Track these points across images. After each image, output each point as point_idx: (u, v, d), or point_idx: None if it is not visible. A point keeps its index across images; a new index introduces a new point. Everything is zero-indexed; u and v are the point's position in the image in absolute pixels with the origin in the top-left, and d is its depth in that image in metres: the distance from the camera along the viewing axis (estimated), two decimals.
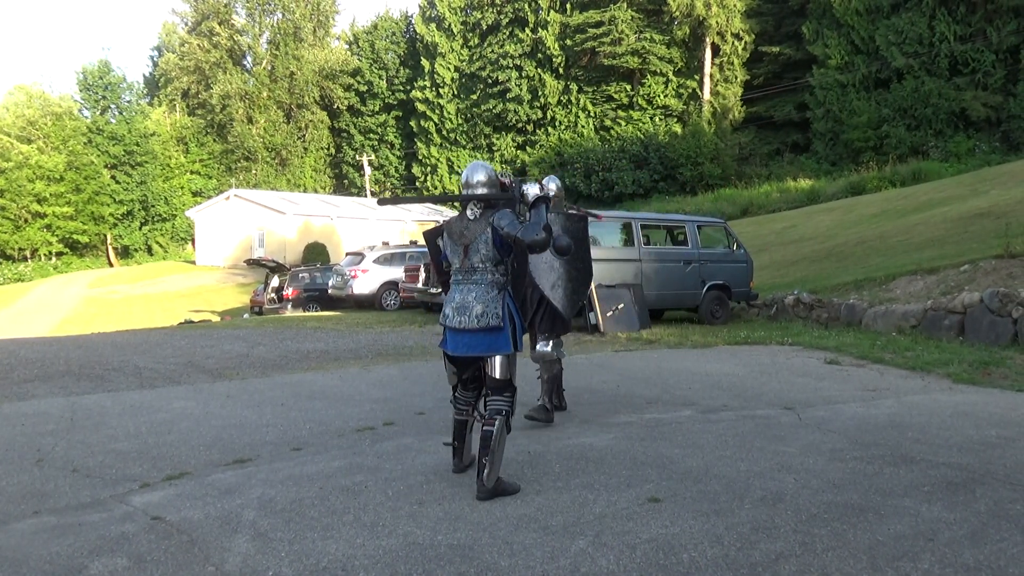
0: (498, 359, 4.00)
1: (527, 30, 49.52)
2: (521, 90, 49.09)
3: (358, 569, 2.98)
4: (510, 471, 4.26)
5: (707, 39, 43.78)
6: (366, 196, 52.88)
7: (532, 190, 4.22)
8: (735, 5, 42.50)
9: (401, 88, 56.90)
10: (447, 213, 45.98)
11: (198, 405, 6.25)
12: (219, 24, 58.13)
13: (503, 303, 4.01)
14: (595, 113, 48.24)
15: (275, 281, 22.62)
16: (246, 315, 22.83)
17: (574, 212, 6.14)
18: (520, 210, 4.24)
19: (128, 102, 55.85)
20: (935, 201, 20.74)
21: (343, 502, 3.75)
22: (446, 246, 4.22)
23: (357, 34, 60.92)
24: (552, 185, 5.34)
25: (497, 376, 4.02)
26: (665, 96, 45.78)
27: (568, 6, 48.32)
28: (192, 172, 57.42)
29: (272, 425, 5.48)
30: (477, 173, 4.16)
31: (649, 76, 45.98)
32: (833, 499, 3.73)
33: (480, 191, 4.11)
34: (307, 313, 19.47)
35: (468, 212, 4.13)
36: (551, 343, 5.64)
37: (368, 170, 54.14)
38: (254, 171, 57.58)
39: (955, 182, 24.45)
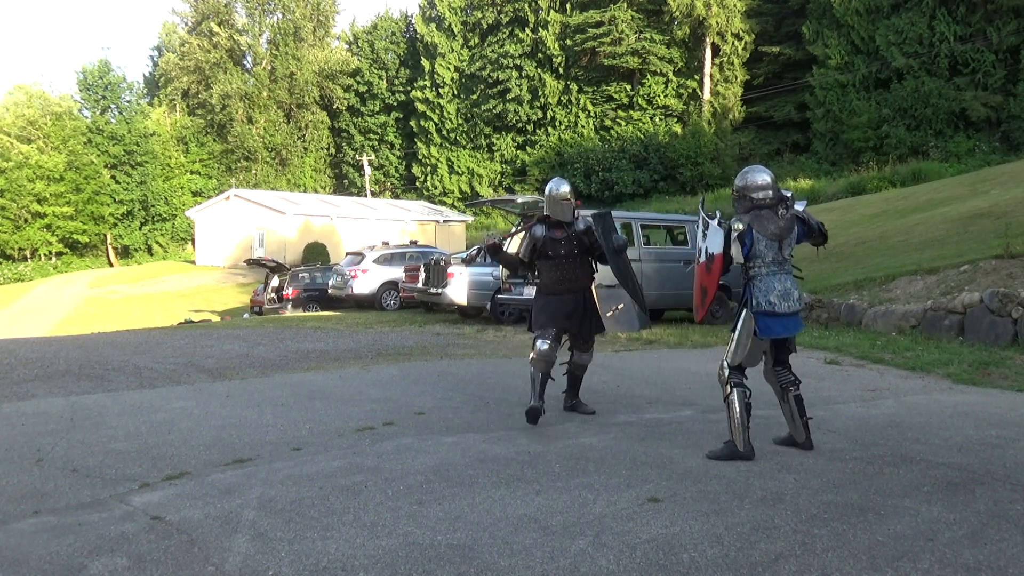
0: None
1: (527, 30, 49.53)
2: (521, 90, 49.10)
3: (358, 569, 2.98)
4: (510, 471, 4.26)
5: (707, 39, 43.80)
6: (366, 196, 52.89)
7: None
8: (735, 5, 42.50)
9: (401, 88, 56.89)
10: (447, 213, 46.00)
11: (198, 405, 6.25)
12: (219, 24, 58.11)
13: None
14: (595, 113, 48.25)
15: (275, 281, 22.62)
16: (246, 315, 22.84)
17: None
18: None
19: (128, 102, 55.84)
20: (935, 201, 20.73)
21: (343, 502, 3.75)
22: (758, 241, 4.51)
23: (357, 34, 60.92)
24: (565, 187, 5.73)
25: (794, 351, 4.78)
26: (665, 96, 45.79)
27: (568, 6, 48.34)
28: (192, 172, 57.41)
29: (272, 425, 5.48)
30: (762, 175, 4.63)
31: (649, 76, 45.99)
32: (833, 499, 3.73)
33: (770, 192, 4.57)
34: (307, 313, 19.47)
35: (778, 212, 4.57)
36: (591, 351, 5.83)
37: (368, 170, 54.15)
38: (254, 171, 57.57)
39: (955, 182, 24.44)
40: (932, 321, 9.84)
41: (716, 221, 4.60)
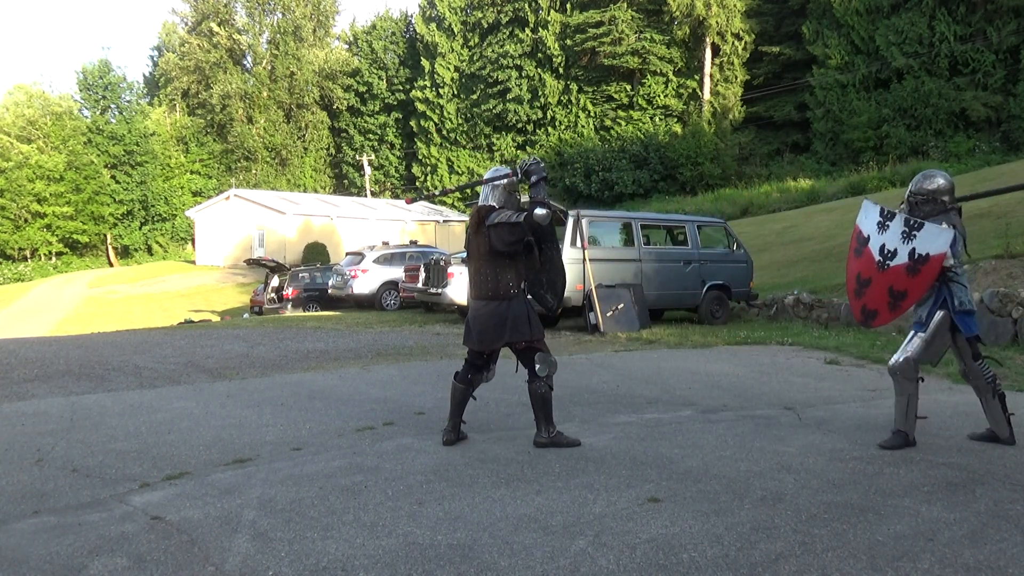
0: None
1: (527, 30, 49.53)
2: (521, 90, 49.11)
3: (358, 569, 2.98)
4: (510, 471, 4.26)
5: (707, 39, 43.80)
6: (366, 196, 52.92)
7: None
8: (735, 5, 42.51)
9: (401, 88, 56.91)
10: (447, 213, 45.99)
11: (198, 405, 6.25)
12: (219, 24, 58.11)
13: None
14: (595, 113, 48.26)
15: (275, 281, 22.62)
16: (246, 315, 22.84)
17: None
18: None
19: (128, 102, 55.82)
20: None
21: (343, 502, 3.75)
22: (958, 241, 4.54)
23: (357, 34, 60.94)
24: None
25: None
26: (665, 96, 45.80)
27: (568, 6, 48.35)
28: (192, 172, 57.41)
29: (272, 425, 5.48)
30: (949, 178, 4.73)
31: (649, 76, 46.00)
32: (833, 499, 3.73)
33: (946, 198, 4.65)
34: (307, 313, 19.47)
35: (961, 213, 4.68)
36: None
37: (368, 170, 54.15)
38: (254, 171, 57.57)
39: (955, 182, 24.41)
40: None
41: (935, 220, 4.50)
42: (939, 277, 4.54)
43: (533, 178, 4.76)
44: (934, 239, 4.42)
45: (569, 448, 4.71)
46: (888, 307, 4.63)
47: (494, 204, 4.82)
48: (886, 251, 4.60)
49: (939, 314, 4.60)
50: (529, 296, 4.94)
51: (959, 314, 4.58)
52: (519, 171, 4.85)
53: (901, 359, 4.69)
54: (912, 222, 4.54)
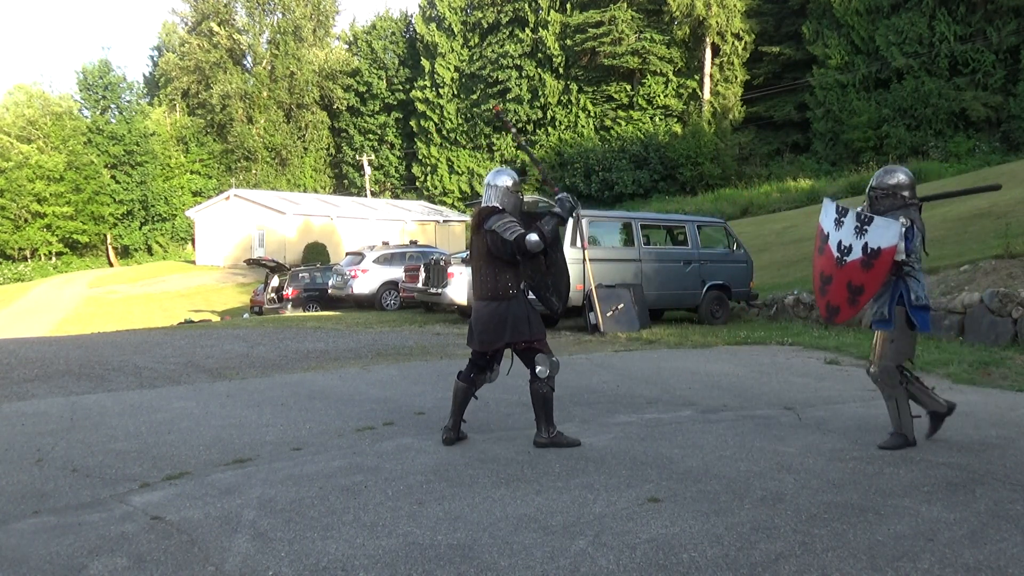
0: None
1: (527, 30, 49.55)
2: (521, 90, 49.12)
3: (358, 569, 2.98)
4: (510, 471, 4.26)
5: (707, 39, 43.82)
6: (366, 196, 52.91)
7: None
8: (735, 5, 42.53)
9: (401, 88, 56.92)
10: (447, 213, 45.98)
11: (198, 405, 6.25)
12: (219, 24, 58.11)
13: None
14: (595, 113, 48.27)
15: (275, 281, 22.63)
16: (246, 315, 22.84)
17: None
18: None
19: (128, 102, 55.81)
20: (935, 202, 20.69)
21: (343, 502, 3.75)
22: (916, 236, 4.59)
23: (357, 34, 60.96)
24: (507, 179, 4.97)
25: None
26: (665, 96, 45.81)
27: (568, 6, 48.37)
28: (192, 172, 57.40)
29: (272, 425, 5.48)
30: (909, 174, 4.78)
31: (649, 76, 46.02)
32: (833, 499, 3.73)
33: (906, 193, 4.68)
34: (307, 313, 19.47)
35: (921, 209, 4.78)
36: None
37: (368, 170, 54.15)
38: (254, 171, 57.57)
39: (955, 182, 24.43)
40: (932, 321, 9.83)
41: (893, 215, 4.51)
42: (895, 271, 4.55)
43: (555, 209, 4.79)
44: (883, 232, 4.42)
45: (569, 448, 4.71)
46: (848, 303, 4.64)
47: (496, 205, 4.84)
48: (843, 247, 4.62)
49: (897, 309, 4.61)
50: (534, 298, 4.96)
51: (914, 308, 4.58)
52: (557, 193, 4.88)
53: (880, 367, 4.70)
54: (863, 217, 4.54)
